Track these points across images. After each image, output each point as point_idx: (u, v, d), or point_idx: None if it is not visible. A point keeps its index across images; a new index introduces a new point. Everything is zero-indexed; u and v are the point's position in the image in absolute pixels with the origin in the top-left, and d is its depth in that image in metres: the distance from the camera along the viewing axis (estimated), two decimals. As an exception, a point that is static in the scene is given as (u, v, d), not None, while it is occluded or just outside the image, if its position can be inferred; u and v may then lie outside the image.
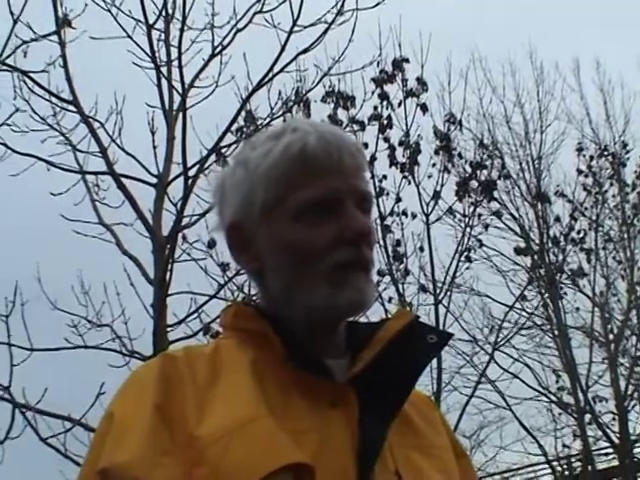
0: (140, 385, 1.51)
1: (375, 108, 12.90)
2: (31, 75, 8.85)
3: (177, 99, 9.22)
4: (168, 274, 8.40)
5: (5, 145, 8.64)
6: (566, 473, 16.74)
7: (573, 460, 17.08)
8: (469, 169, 13.98)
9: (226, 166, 1.78)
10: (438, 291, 13.09)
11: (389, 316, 1.69)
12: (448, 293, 13.24)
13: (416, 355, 1.60)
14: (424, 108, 13.40)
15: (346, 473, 1.41)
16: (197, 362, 1.54)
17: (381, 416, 1.51)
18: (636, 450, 16.96)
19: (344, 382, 1.52)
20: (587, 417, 16.23)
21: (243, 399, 1.46)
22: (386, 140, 12.94)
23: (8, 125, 8.36)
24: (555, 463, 16.98)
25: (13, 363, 7.99)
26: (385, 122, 12.88)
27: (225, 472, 1.36)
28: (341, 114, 12.74)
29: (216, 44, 9.29)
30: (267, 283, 1.65)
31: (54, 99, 9.09)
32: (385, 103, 13.04)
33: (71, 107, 9.08)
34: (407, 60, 13.34)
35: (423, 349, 1.61)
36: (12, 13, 8.47)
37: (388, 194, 12.92)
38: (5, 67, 8.40)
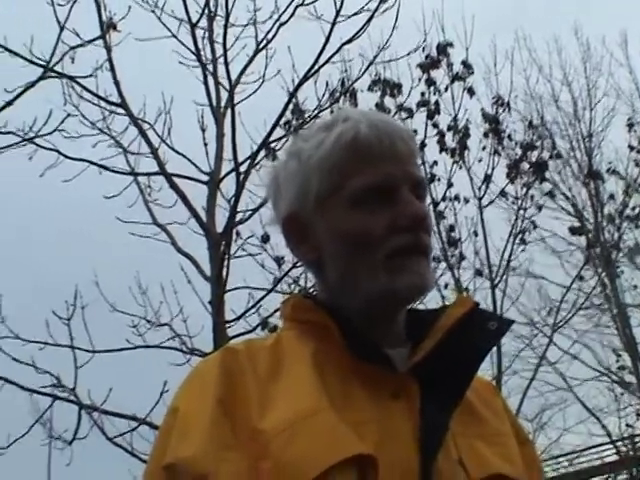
0: (202, 380, 1.52)
1: (422, 94, 12.84)
2: (79, 80, 8.95)
3: (224, 96, 9.28)
4: (224, 270, 8.45)
5: (57, 151, 8.74)
6: (631, 453, 16.56)
7: (637, 440, 16.89)
8: (519, 151, 13.86)
9: (278, 160, 1.79)
10: (494, 275, 13.02)
11: (448, 303, 1.69)
12: (504, 277, 13.16)
13: (477, 342, 1.58)
14: (471, 92, 13.33)
15: (409, 463, 1.41)
16: (258, 355, 1.55)
17: (443, 405, 1.50)
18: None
19: (405, 372, 1.52)
20: (650, 395, 16.07)
21: (305, 391, 1.46)
22: (435, 126, 12.88)
23: (59, 131, 8.44)
24: (619, 443, 16.81)
25: (77, 365, 8.10)
26: (433, 108, 12.81)
27: (288, 465, 1.37)
28: (388, 102, 12.73)
29: (260, 39, 9.34)
30: (325, 273, 1.65)
31: (103, 103, 9.21)
32: (432, 89, 12.99)
33: (120, 110, 9.18)
34: (451, 44, 13.28)
35: (484, 336, 1.60)
36: (58, 21, 8.56)
37: (439, 180, 12.88)
38: (54, 74, 8.49)
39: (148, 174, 9.29)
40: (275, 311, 9.25)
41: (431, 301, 8.81)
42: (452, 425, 1.49)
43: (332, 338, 1.54)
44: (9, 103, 7.30)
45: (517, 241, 13.36)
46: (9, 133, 8.12)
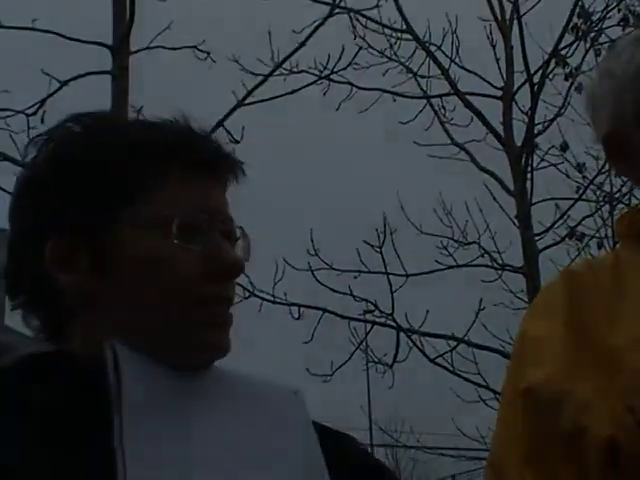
0: (547, 305, 1.54)
1: None
2: (364, 13, 9.07)
3: (508, 9, 9.13)
4: (528, 183, 8.39)
5: (350, 84, 8.94)
6: None
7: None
8: None
9: (591, 80, 1.76)
10: None
11: None
12: None
13: None
14: None
15: None
16: (600, 275, 1.54)
17: None
18: None
19: None
20: None
21: None
22: None
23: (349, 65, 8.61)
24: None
25: (392, 290, 8.33)
26: None
27: None
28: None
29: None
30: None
31: (388, 31, 9.29)
32: None
33: (406, 35, 9.23)
34: None
35: None
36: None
37: None
38: (339, 9, 8.63)
39: (441, 95, 9.33)
40: (582, 219, 9.09)
41: None
42: None
43: None
44: (302, 44, 7.51)
45: None
46: (301, 72, 8.38)
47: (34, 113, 6.92)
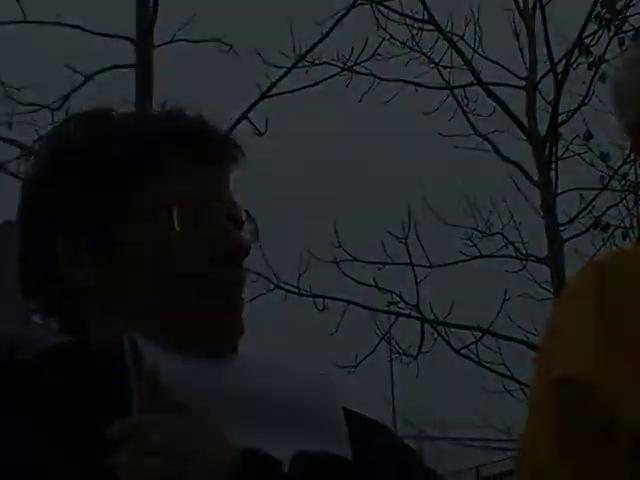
0: (576, 297, 1.54)
1: None
2: (386, 3, 9.06)
3: (531, -3, 9.08)
4: (552, 173, 8.36)
5: (373, 75, 8.93)
6: None
7: None
8: None
9: (618, 69, 1.75)
10: None
11: None
12: None
13: None
14: None
15: None
16: (629, 263, 1.54)
17: None
18: None
19: None
20: None
21: None
22: None
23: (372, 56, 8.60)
24: None
25: (417, 281, 8.32)
26: None
27: None
28: None
29: None
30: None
31: (410, 21, 9.26)
32: None
33: (428, 26, 9.20)
34: None
35: None
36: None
37: None
38: (361, 0, 8.62)
39: (464, 86, 9.28)
40: (607, 209, 9.04)
41: None
42: None
43: None
44: (325, 35, 7.52)
45: None
46: (323, 64, 8.39)
47: (59, 108, 6.97)
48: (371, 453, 1.15)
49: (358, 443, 1.13)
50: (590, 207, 8.87)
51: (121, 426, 0.97)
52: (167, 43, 6.82)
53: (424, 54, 9.33)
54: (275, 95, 7.47)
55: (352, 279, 8.42)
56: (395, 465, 1.18)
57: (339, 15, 7.66)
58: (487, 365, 8.27)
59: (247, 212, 1.18)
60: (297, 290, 8.30)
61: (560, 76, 8.55)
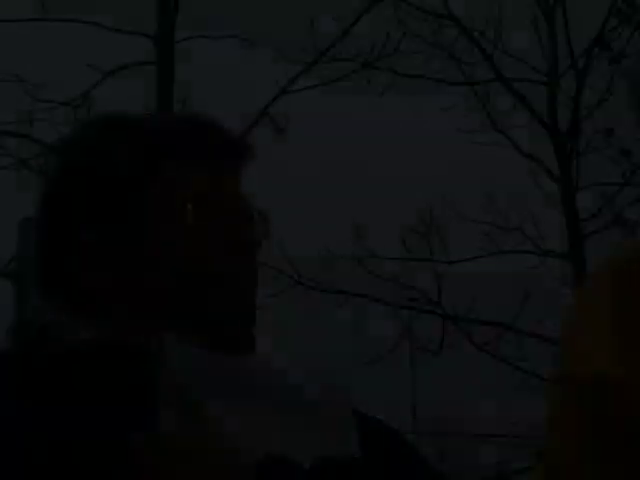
0: (595, 293, 1.53)
1: None
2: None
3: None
4: (573, 169, 8.33)
5: (394, 71, 8.93)
6: None
7: None
8: None
9: (637, 62, 1.75)
10: None
11: None
12: None
13: None
14: None
15: None
16: None
17: None
18: None
19: None
20: None
21: None
22: None
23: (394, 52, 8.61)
24: None
25: (438, 277, 8.33)
26: None
27: None
28: None
29: None
30: None
31: (431, 17, 9.24)
32: None
33: (448, 22, 9.18)
34: None
35: None
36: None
37: None
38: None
39: (485, 81, 9.26)
40: (629, 205, 9.00)
41: None
42: None
43: None
44: (346, 31, 7.52)
45: None
46: (343, 60, 8.39)
47: (79, 105, 6.99)
48: (379, 456, 1.17)
49: (367, 446, 1.14)
50: (611, 203, 8.84)
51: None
52: (187, 39, 6.83)
53: (445, 50, 9.33)
54: (296, 91, 7.48)
55: (374, 275, 8.43)
56: (403, 468, 1.19)
57: (360, 11, 7.65)
58: (508, 361, 8.26)
59: (259, 208, 1.20)
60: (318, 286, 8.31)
61: (581, 71, 8.51)
